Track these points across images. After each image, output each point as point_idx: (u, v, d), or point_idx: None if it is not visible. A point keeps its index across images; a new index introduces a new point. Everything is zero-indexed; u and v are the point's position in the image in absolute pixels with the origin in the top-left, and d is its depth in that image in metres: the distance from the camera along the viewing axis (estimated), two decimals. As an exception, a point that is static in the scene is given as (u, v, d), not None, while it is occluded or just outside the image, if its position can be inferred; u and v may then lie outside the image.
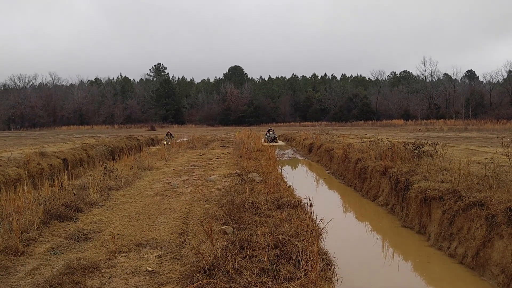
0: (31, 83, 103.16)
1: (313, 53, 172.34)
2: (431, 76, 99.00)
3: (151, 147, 35.45)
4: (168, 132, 41.62)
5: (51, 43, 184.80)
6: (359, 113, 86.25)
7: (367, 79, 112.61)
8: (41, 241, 7.08)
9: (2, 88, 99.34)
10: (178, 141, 35.47)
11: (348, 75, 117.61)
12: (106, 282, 5.31)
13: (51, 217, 8.15)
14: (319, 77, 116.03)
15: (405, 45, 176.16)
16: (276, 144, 37.27)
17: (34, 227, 7.42)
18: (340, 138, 26.43)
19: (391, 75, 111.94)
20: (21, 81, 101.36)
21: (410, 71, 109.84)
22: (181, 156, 22.38)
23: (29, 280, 5.40)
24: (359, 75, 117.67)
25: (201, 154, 23.25)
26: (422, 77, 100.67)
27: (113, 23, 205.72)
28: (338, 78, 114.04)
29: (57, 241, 7.10)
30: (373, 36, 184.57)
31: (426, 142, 14.53)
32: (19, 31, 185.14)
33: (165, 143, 34.68)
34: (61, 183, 10.26)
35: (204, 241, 6.67)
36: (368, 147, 16.92)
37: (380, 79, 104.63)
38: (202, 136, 41.14)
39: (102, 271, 5.67)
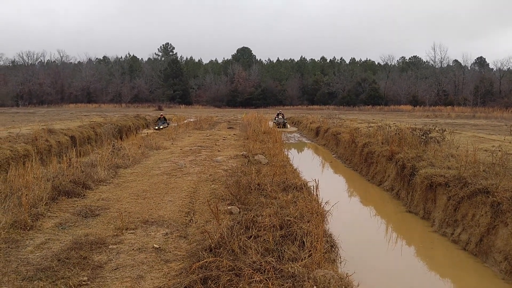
0: (39, 60, 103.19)
1: (323, 36, 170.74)
2: (441, 62, 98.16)
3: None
4: (161, 115, 34.93)
5: (59, 20, 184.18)
6: (367, 98, 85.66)
7: (376, 63, 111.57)
8: (49, 216, 7.19)
9: (11, 64, 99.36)
10: (185, 121, 35.30)
11: (357, 59, 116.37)
12: (113, 257, 5.41)
13: (59, 193, 8.26)
14: (328, 61, 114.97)
15: (415, 30, 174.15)
16: (285, 129, 34.11)
17: (43, 202, 7.53)
18: (347, 123, 26.37)
19: (400, 60, 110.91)
20: (30, 57, 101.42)
21: (420, 57, 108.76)
22: (188, 136, 22.46)
23: (37, 254, 5.51)
24: (368, 59, 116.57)
25: (208, 135, 23.32)
26: (432, 63, 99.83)
27: (120, 1, 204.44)
28: (347, 62, 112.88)
29: (65, 217, 7.21)
30: (383, 20, 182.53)
31: (433, 128, 14.48)
32: (27, 8, 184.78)
33: (156, 128, 30.51)
34: (69, 160, 10.35)
35: (210, 220, 6.75)
36: (375, 132, 16.88)
37: (389, 64, 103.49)
38: (209, 117, 41.15)
39: (109, 247, 5.77)
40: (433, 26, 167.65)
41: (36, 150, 15.30)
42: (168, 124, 32.23)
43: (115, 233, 6.33)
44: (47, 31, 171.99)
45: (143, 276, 4.86)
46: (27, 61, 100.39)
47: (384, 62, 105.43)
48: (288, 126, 37.70)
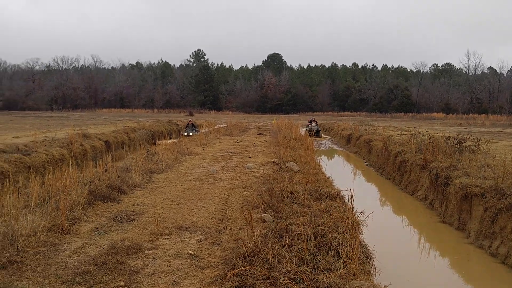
0: (74, 65, 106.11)
1: (354, 42, 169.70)
2: (475, 69, 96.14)
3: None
4: (190, 121, 32.27)
5: (93, 26, 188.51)
6: (399, 105, 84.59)
7: (408, 70, 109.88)
8: (85, 221, 7.34)
9: (46, 69, 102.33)
10: (215, 127, 35.48)
11: (389, 65, 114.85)
12: (149, 263, 5.48)
13: (95, 198, 8.43)
14: (359, 67, 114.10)
15: (448, 37, 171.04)
16: (318, 138, 31.03)
17: (79, 207, 7.70)
18: (379, 130, 26.08)
19: (433, 67, 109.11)
20: (64, 62, 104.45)
21: (453, 64, 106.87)
22: (219, 142, 22.59)
23: (75, 258, 5.63)
24: (400, 66, 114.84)
25: (238, 141, 23.40)
26: (465, 70, 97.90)
27: (153, 8, 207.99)
28: (379, 68, 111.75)
29: (101, 221, 7.35)
30: (416, 27, 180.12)
31: (468, 137, 14.17)
32: (62, 13, 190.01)
33: (185, 134, 28.66)
34: (106, 165, 10.56)
35: (243, 228, 6.76)
36: (409, 140, 16.64)
37: (421, 71, 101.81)
38: (239, 123, 41.27)
39: (145, 252, 5.85)
40: (467, 32, 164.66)
41: (71, 154, 15.68)
42: (197, 131, 30.05)
43: (151, 239, 6.41)
44: (81, 37, 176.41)
45: (179, 283, 4.91)
46: (61, 66, 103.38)
47: (417, 69, 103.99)
48: (322, 135, 34.66)
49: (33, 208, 7.16)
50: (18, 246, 5.69)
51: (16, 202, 7.26)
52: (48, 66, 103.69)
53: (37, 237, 6.13)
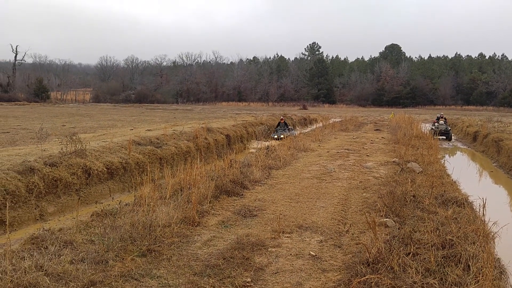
0: (196, 60, 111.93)
1: (481, 31, 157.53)
2: None
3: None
4: (282, 119, 25.68)
5: (214, 24, 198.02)
6: (533, 99, 76.88)
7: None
8: (213, 214, 7.81)
9: (172, 65, 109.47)
10: (330, 121, 35.16)
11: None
12: (273, 261, 5.68)
13: (220, 192, 8.92)
14: (486, 57, 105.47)
15: None
16: (446, 139, 26.55)
17: (207, 200, 8.21)
18: (510, 128, 24.01)
19: None
20: (188, 58, 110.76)
21: None
22: (334, 138, 22.44)
23: (205, 250, 6.03)
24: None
25: (354, 137, 23.03)
26: None
27: (271, 4, 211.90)
28: (510, 58, 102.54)
29: (226, 215, 7.77)
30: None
31: None
32: (186, 14, 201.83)
33: (275, 137, 22.98)
34: (231, 161, 11.07)
35: (364, 232, 6.72)
36: (546, 141, 15.17)
37: None
38: (354, 117, 40.53)
39: (269, 250, 6.07)
40: None
41: (196, 147, 16.68)
42: (290, 130, 24.76)
43: (273, 236, 6.62)
44: (203, 34, 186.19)
45: (302, 284, 5.01)
46: (186, 61, 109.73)
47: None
48: (453, 137, 28.49)
49: (167, 200, 7.80)
50: (155, 236, 6.24)
51: (152, 193, 7.95)
52: (174, 62, 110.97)
53: (171, 228, 6.66)
